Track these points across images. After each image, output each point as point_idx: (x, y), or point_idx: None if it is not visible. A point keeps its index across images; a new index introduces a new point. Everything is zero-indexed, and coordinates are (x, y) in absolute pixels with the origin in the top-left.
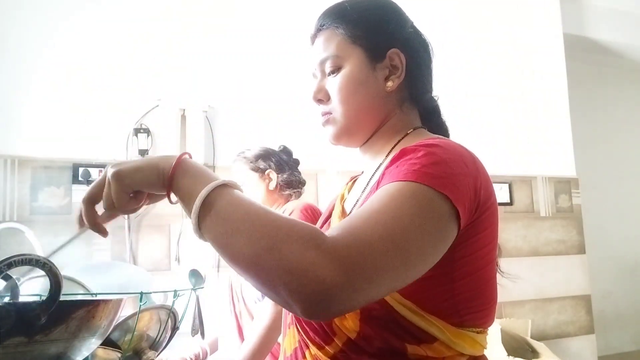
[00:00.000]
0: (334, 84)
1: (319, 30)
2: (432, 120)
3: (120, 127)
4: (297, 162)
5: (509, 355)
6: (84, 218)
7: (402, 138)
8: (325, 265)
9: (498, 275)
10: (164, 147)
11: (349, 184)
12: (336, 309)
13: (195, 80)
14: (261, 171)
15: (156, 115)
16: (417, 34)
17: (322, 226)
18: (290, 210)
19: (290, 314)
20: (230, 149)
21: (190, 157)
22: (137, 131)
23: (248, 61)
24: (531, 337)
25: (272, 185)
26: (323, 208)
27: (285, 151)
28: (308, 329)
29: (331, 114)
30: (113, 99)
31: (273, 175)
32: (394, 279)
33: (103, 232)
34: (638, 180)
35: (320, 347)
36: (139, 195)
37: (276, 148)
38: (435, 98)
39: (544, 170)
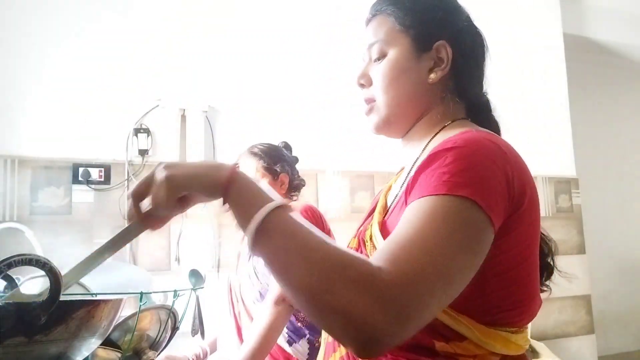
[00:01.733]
0: (378, 70)
1: (373, 14)
2: (482, 114)
3: (120, 127)
4: (296, 160)
5: None
6: (131, 212)
7: (441, 130)
8: (378, 312)
9: (555, 273)
10: (164, 147)
11: (397, 175)
12: (384, 348)
13: (195, 80)
14: (276, 174)
15: (156, 115)
16: (471, 28)
17: (366, 219)
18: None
19: None
20: (230, 149)
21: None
22: (137, 131)
23: (248, 61)
24: (531, 337)
25: (283, 188)
26: (323, 208)
27: (288, 148)
28: None
29: (374, 101)
30: (113, 99)
31: (285, 179)
32: (438, 308)
33: (151, 225)
34: (638, 180)
35: None
36: (184, 200)
37: (276, 144)
38: (486, 93)
39: (544, 170)
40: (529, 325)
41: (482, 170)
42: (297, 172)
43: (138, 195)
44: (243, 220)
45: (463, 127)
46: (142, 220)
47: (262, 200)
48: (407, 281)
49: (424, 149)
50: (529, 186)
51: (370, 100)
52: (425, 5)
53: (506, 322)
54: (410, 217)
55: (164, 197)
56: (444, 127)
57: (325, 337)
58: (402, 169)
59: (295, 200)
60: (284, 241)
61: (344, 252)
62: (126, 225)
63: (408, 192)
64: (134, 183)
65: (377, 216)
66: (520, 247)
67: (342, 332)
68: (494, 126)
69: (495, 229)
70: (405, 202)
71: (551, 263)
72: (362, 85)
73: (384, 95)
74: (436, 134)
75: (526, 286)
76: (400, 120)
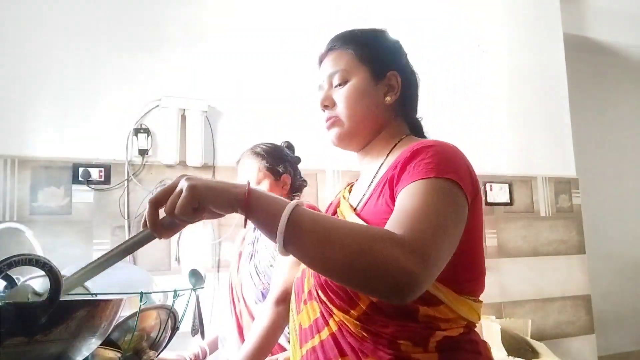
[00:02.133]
0: (341, 93)
1: (329, 50)
2: (419, 134)
3: (120, 127)
4: (299, 160)
5: (509, 355)
6: (146, 218)
7: (398, 142)
8: (410, 260)
9: (500, 275)
10: (164, 147)
11: (347, 188)
12: (421, 291)
13: (195, 80)
14: (278, 174)
15: (156, 115)
16: (410, 64)
17: None
18: None
19: (306, 291)
20: (230, 149)
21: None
22: (137, 131)
23: (248, 61)
24: (531, 337)
25: (285, 189)
26: (323, 208)
27: (290, 148)
28: (334, 297)
29: (337, 117)
30: (113, 99)
31: (287, 179)
32: (446, 259)
33: (161, 233)
34: (638, 180)
35: (346, 312)
36: (198, 212)
37: (279, 144)
38: (420, 118)
39: (544, 170)
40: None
41: (457, 162)
42: (300, 172)
43: (157, 203)
44: (269, 224)
45: (415, 140)
46: (156, 227)
47: (281, 204)
48: (425, 236)
49: (386, 156)
50: (477, 180)
51: (331, 117)
52: (378, 42)
53: (469, 291)
54: (409, 196)
55: (183, 204)
56: (400, 140)
57: (297, 325)
58: (349, 184)
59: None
60: (312, 228)
61: (363, 224)
62: (127, 225)
63: (392, 183)
64: (134, 183)
65: (347, 213)
66: (476, 230)
67: (386, 285)
68: None
69: (469, 206)
70: (391, 191)
71: None
72: (325, 107)
73: (347, 112)
74: (394, 147)
75: (481, 260)
76: (361, 134)
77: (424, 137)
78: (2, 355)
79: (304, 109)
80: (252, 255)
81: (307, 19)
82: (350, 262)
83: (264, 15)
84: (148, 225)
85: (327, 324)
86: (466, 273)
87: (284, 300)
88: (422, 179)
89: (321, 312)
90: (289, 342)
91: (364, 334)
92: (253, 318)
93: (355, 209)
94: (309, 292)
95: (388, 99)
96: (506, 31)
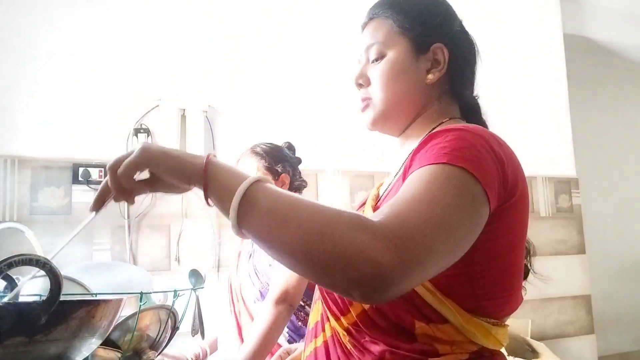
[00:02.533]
0: (376, 70)
1: (370, 18)
2: (472, 117)
3: (120, 127)
4: (299, 161)
5: (509, 355)
6: (109, 183)
7: (437, 126)
8: (378, 248)
9: (530, 275)
10: None
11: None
12: (391, 291)
13: (195, 80)
14: (277, 174)
15: (156, 115)
16: (464, 33)
17: (357, 209)
18: None
19: (317, 288)
20: (230, 149)
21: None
22: (137, 131)
23: (248, 61)
24: (531, 337)
25: (284, 189)
26: None
27: (291, 148)
28: (329, 299)
29: (370, 99)
30: (113, 99)
31: (287, 179)
32: (440, 261)
33: (121, 195)
34: (638, 180)
35: (337, 318)
36: (149, 182)
37: (280, 144)
38: (477, 97)
39: (544, 170)
40: (529, 324)
41: (481, 152)
42: (300, 172)
43: (115, 167)
44: (226, 200)
45: (455, 125)
46: (114, 189)
47: (240, 178)
48: (408, 226)
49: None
50: (521, 179)
51: (366, 99)
52: (423, 9)
53: (488, 312)
54: (410, 182)
55: (127, 163)
56: (441, 123)
57: (309, 324)
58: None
59: None
60: (270, 206)
61: (331, 207)
62: (127, 226)
63: (406, 170)
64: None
65: (369, 202)
66: (509, 237)
67: (345, 277)
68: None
69: (491, 207)
70: (403, 180)
71: (528, 265)
72: (360, 85)
73: (382, 93)
74: (433, 129)
75: (512, 276)
76: (397, 117)
77: (480, 120)
78: (2, 355)
79: (304, 109)
80: (251, 255)
81: (307, 18)
82: (307, 247)
83: (264, 15)
84: (114, 191)
85: (324, 329)
86: (487, 290)
87: (283, 300)
88: (430, 164)
89: (322, 314)
90: (288, 342)
91: (351, 347)
92: (252, 318)
93: (378, 200)
94: (320, 289)
95: (430, 77)
96: (506, 31)
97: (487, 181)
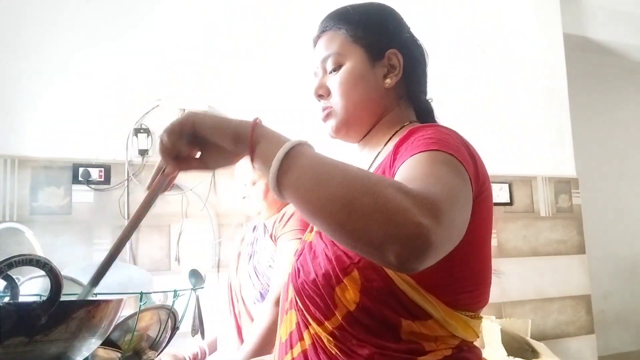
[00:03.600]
0: (335, 80)
1: (322, 31)
2: (427, 118)
3: (120, 127)
4: None
5: (509, 355)
6: (159, 150)
7: (399, 130)
8: (420, 210)
9: (499, 275)
10: None
11: None
12: (429, 256)
13: (195, 80)
14: None
15: (156, 115)
16: (413, 38)
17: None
18: (290, 213)
19: (289, 298)
20: None
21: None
22: (137, 131)
23: (248, 61)
24: (531, 337)
25: None
26: None
27: None
28: (310, 304)
29: (332, 108)
30: (113, 99)
31: None
32: (458, 233)
33: (177, 166)
34: (638, 180)
35: (320, 323)
36: (196, 143)
37: None
38: (430, 100)
39: (544, 170)
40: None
41: (459, 145)
42: None
43: (162, 135)
44: (268, 158)
45: (425, 124)
46: (162, 154)
47: (285, 139)
48: (438, 196)
49: (384, 145)
50: (487, 177)
51: (327, 108)
52: (373, 18)
53: (466, 305)
54: (411, 167)
55: (174, 123)
56: (402, 127)
57: (278, 338)
58: None
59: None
60: (312, 163)
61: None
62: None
63: (390, 165)
64: (134, 183)
65: None
66: (482, 231)
67: (385, 233)
68: None
69: (473, 195)
70: (383, 174)
71: None
72: (320, 97)
73: (343, 101)
74: (394, 134)
75: (485, 270)
76: (359, 124)
77: (435, 122)
78: (2, 355)
79: (304, 109)
80: (251, 256)
81: (307, 18)
82: (351, 201)
83: (264, 15)
84: (164, 160)
85: (301, 337)
86: (465, 282)
87: None
88: (423, 151)
89: (297, 323)
90: None
91: (337, 352)
92: (252, 319)
93: None
94: (290, 300)
95: (388, 81)
96: (506, 31)
97: (469, 169)
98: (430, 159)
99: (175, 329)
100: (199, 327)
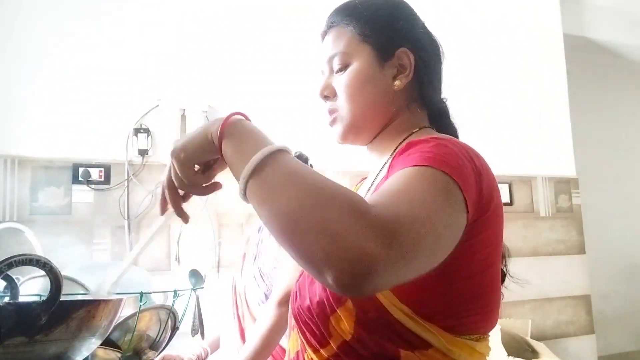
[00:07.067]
0: (341, 81)
1: (329, 27)
2: (441, 120)
3: (120, 127)
4: (306, 162)
5: (509, 355)
6: (170, 203)
7: (408, 136)
8: (368, 235)
9: (507, 278)
10: (164, 147)
11: (357, 185)
12: (370, 283)
13: (195, 80)
14: None
15: (156, 115)
16: (428, 35)
17: None
18: None
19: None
20: None
21: (244, 116)
22: (137, 131)
23: (248, 61)
24: (531, 337)
25: None
26: None
27: (302, 158)
28: (306, 330)
29: (337, 112)
30: (113, 99)
31: None
32: (424, 262)
33: (185, 217)
34: (638, 180)
35: (315, 350)
36: (207, 169)
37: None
38: (445, 99)
39: (544, 170)
40: (529, 324)
41: (462, 160)
42: None
43: (170, 185)
44: (236, 169)
45: (430, 134)
46: (179, 208)
47: (255, 146)
48: (398, 214)
49: (392, 154)
50: (495, 191)
51: (333, 111)
52: (383, 14)
53: (470, 329)
54: (395, 179)
55: (179, 173)
56: (412, 133)
57: (287, 352)
58: (362, 179)
59: None
60: (275, 175)
61: (337, 184)
62: (127, 226)
63: (386, 178)
64: (134, 183)
65: None
66: (486, 252)
67: (326, 256)
68: (452, 131)
69: (469, 217)
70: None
71: (504, 269)
72: (325, 98)
73: (350, 105)
74: (403, 141)
75: (492, 291)
76: (367, 128)
77: (450, 123)
78: (2, 355)
79: (304, 109)
80: (256, 257)
81: (307, 18)
82: (298, 217)
83: (265, 15)
84: (174, 210)
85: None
86: (468, 306)
87: (286, 302)
88: (414, 166)
89: (300, 345)
90: None
91: None
92: (255, 321)
93: None
94: (295, 317)
95: (397, 82)
96: (506, 31)
97: (467, 189)
98: (415, 174)
99: (175, 329)
100: (199, 327)
